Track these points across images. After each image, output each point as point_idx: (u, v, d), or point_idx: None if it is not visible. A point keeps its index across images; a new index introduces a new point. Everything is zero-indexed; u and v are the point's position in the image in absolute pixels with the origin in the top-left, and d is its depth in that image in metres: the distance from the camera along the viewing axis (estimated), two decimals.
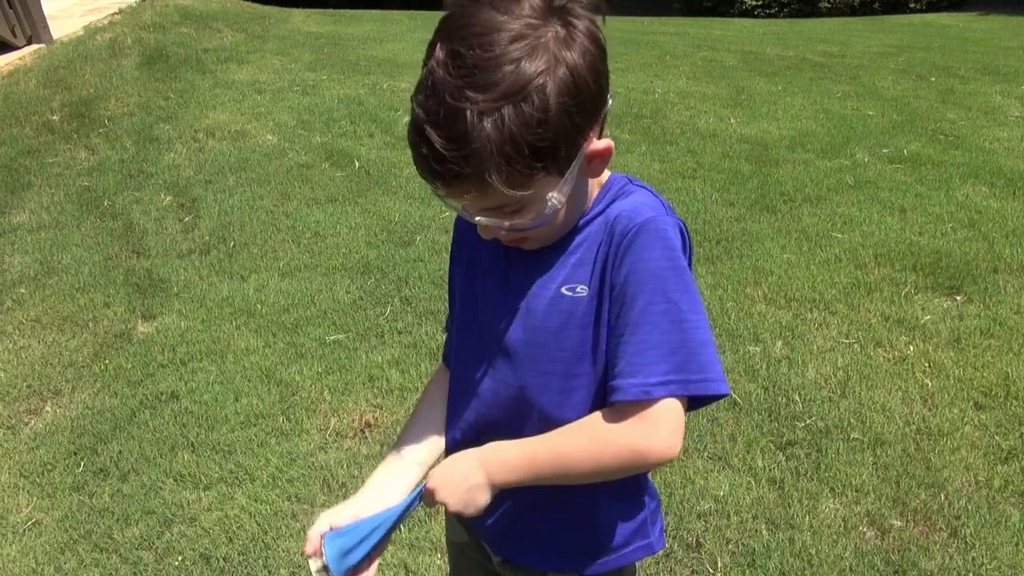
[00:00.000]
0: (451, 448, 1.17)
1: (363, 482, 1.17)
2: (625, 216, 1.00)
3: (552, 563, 1.17)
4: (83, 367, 3.12)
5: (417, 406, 1.25)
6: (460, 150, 0.88)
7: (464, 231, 1.19)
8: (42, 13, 6.78)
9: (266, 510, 2.38)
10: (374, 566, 1.09)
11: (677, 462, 2.48)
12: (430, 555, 2.20)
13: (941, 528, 2.26)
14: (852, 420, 2.66)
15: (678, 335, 0.97)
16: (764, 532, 2.25)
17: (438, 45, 0.90)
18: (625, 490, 1.15)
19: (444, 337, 1.30)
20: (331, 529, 1.08)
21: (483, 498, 1.03)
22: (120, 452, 2.66)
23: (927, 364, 2.95)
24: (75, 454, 2.67)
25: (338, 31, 8.41)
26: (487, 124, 0.87)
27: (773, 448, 2.56)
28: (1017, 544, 2.19)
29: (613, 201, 1.05)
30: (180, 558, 2.25)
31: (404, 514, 1.07)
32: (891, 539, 2.22)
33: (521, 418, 1.08)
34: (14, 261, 3.93)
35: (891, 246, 3.78)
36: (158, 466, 2.59)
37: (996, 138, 5.32)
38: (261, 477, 2.51)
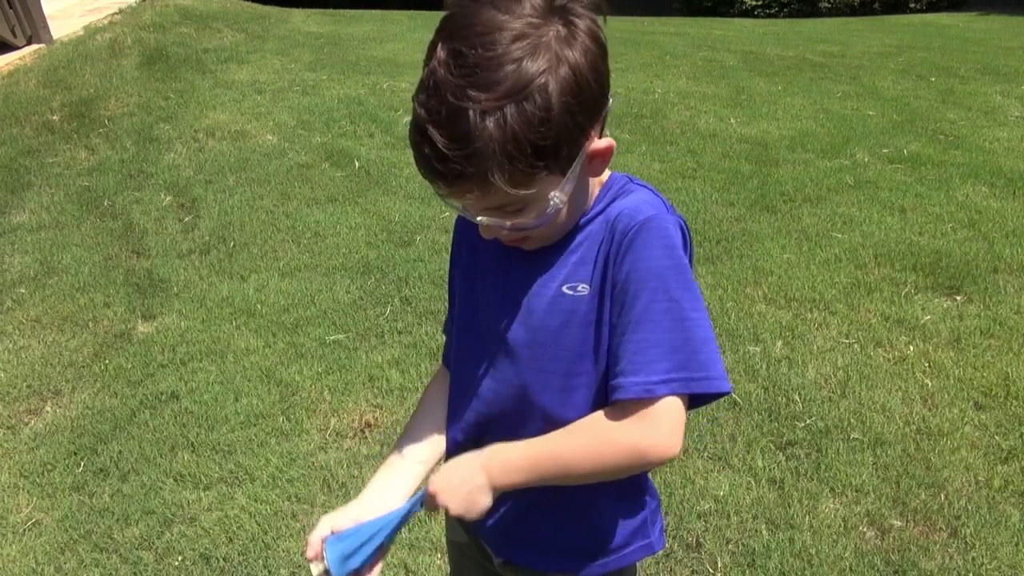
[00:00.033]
0: (452, 449, 1.17)
1: (363, 482, 1.17)
2: (626, 215, 1.01)
3: (553, 563, 1.16)
4: (83, 367, 3.12)
5: (418, 407, 1.25)
6: (463, 149, 0.88)
7: (464, 232, 1.19)
8: (42, 13, 6.78)
9: (266, 510, 2.38)
10: (376, 569, 1.09)
11: (677, 462, 2.48)
12: (430, 555, 2.20)
13: (941, 528, 2.26)
14: (852, 420, 2.66)
15: (680, 333, 0.97)
16: (764, 532, 2.25)
17: (439, 45, 0.91)
18: (625, 490, 1.15)
19: (444, 337, 1.30)
20: (332, 533, 1.08)
21: (485, 501, 1.03)
22: (120, 452, 2.66)
23: (927, 364, 2.95)
24: (75, 454, 2.67)
25: (338, 31, 8.41)
26: (489, 123, 0.87)
27: (773, 448, 2.56)
28: (1017, 544, 2.19)
29: (614, 200, 1.05)
30: (180, 558, 2.25)
31: (406, 518, 1.07)
32: (891, 539, 2.22)
33: (522, 417, 1.08)
34: (14, 261, 3.93)
35: (891, 246, 3.78)
36: (158, 466, 2.59)
37: (996, 138, 5.32)
38: (261, 477, 2.51)
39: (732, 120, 5.67)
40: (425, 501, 1.05)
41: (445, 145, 0.88)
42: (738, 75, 6.97)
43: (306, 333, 3.25)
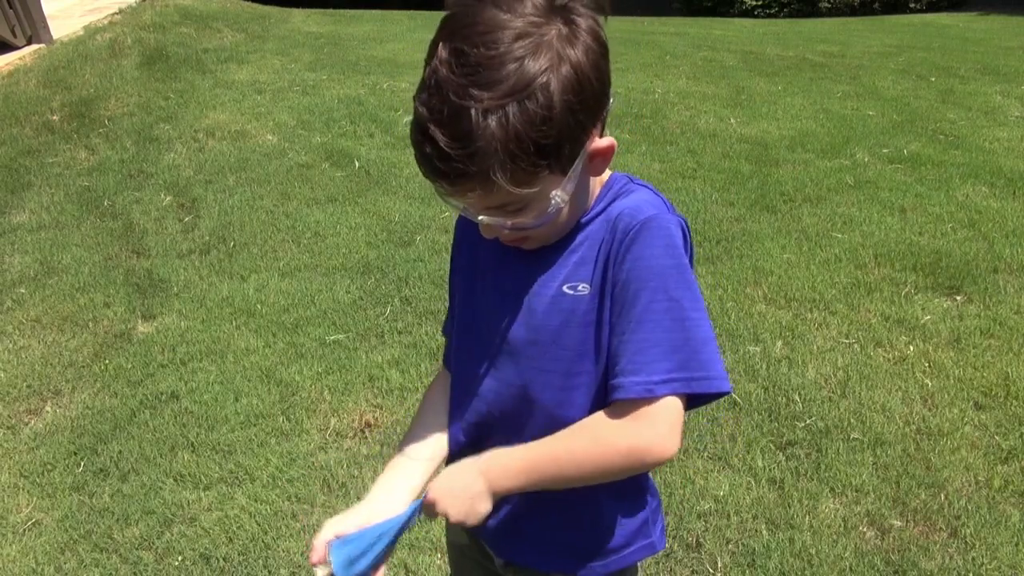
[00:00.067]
0: (454, 450, 1.17)
1: (363, 482, 1.17)
2: (627, 214, 1.01)
3: (554, 564, 1.16)
4: (83, 367, 3.12)
5: (419, 409, 1.25)
6: (465, 148, 0.88)
7: (465, 232, 1.19)
8: (42, 13, 6.78)
9: (266, 510, 2.38)
10: (380, 574, 1.09)
11: (677, 462, 2.48)
12: (430, 555, 2.20)
13: (941, 528, 2.26)
14: (852, 420, 2.66)
15: (680, 333, 0.97)
16: (764, 532, 2.25)
17: (441, 44, 0.91)
18: (625, 489, 1.15)
19: (444, 338, 1.30)
20: (336, 537, 1.07)
21: (484, 507, 1.03)
22: (120, 452, 2.66)
23: (927, 364, 2.95)
24: (75, 454, 2.67)
25: (338, 31, 8.41)
26: (492, 122, 0.87)
27: (773, 448, 2.56)
28: (1017, 544, 2.19)
29: (614, 200, 1.05)
30: (180, 558, 2.25)
31: (408, 524, 1.06)
32: (891, 539, 2.22)
33: (523, 417, 1.08)
34: (14, 261, 3.93)
35: (891, 246, 3.78)
36: (158, 466, 2.59)
37: (996, 138, 5.32)
38: (261, 477, 2.51)
39: (732, 120, 5.67)
40: (424, 508, 1.05)
41: (447, 144, 0.88)
42: (738, 75, 6.97)
43: (306, 333, 3.25)
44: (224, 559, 2.23)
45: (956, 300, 3.37)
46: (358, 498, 1.17)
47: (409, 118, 0.94)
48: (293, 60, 6.89)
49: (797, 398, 2.76)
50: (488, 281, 1.13)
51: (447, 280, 1.27)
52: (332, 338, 3.20)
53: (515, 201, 0.95)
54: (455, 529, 1.31)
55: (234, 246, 3.95)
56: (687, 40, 8.68)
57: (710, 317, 1.01)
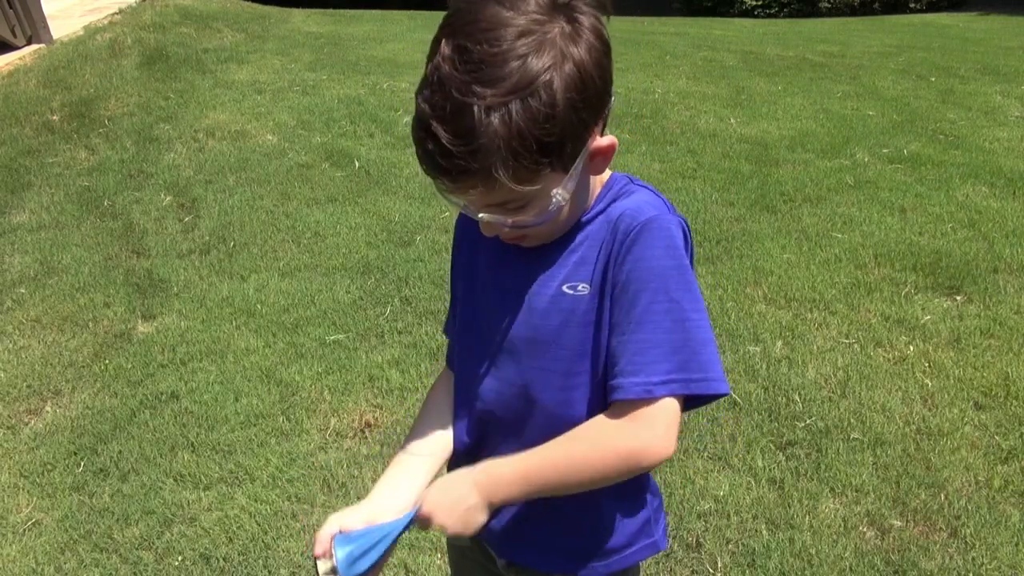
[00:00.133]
0: (460, 449, 1.17)
1: (363, 482, 1.17)
2: (628, 215, 1.00)
3: (555, 564, 1.16)
4: (83, 367, 3.12)
5: (422, 408, 1.25)
6: (467, 145, 0.88)
7: (464, 231, 1.19)
8: (42, 13, 6.78)
9: (266, 510, 2.38)
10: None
11: (677, 462, 2.48)
12: (430, 555, 2.20)
13: (941, 528, 2.26)
14: (852, 420, 2.66)
15: (680, 334, 0.97)
16: (764, 532, 2.25)
17: (443, 40, 0.90)
18: (626, 489, 1.14)
19: (444, 337, 1.30)
20: (341, 532, 1.07)
21: (481, 518, 1.02)
22: (120, 452, 2.66)
23: (927, 364, 2.95)
24: (75, 454, 2.67)
25: (338, 31, 8.41)
26: (494, 119, 0.87)
27: (773, 448, 2.56)
28: (1017, 544, 2.19)
29: (615, 200, 1.05)
30: (180, 558, 2.25)
31: (405, 529, 1.06)
32: (891, 539, 2.22)
33: (524, 416, 1.08)
34: (14, 261, 3.93)
35: (891, 246, 3.78)
36: (158, 466, 2.58)
37: (996, 138, 5.33)
38: (261, 477, 2.51)
39: (732, 120, 5.67)
40: (419, 521, 1.04)
41: (449, 141, 0.88)
42: (738, 75, 6.97)
43: (306, 333, 3.25)
44: (224, 559, 2.23)
45: (956, 300, 3.37)
46: (358, 498, 1.17)
47: (409, 118, 0.94)
48: (293, 60, 6.89)
49: (797, 398, 2.76)
50: (488, 280, 1.13)
51: (447, 280, 1.27)
52: (332, 338, 3.20)
53: (516, 199, 0.95)
54: None
55: (234, 246, 3.95)
56: (687, 40, 8.69)
57: (710, 317, 1.01)
